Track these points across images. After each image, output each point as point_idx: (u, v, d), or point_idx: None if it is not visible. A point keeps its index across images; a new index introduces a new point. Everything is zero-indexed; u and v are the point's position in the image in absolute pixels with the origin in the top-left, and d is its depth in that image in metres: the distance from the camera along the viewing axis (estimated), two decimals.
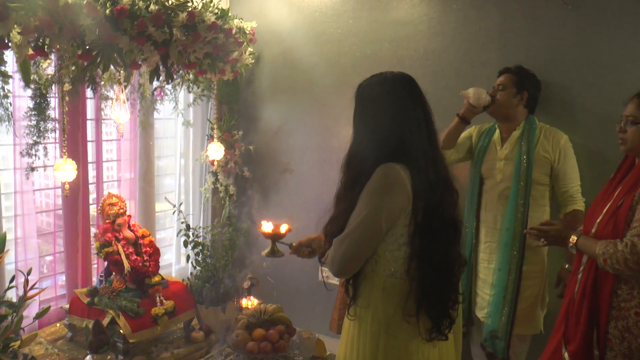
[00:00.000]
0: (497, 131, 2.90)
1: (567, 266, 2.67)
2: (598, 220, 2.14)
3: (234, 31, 3.00)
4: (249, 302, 3.38)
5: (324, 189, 3.76)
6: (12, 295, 2.59)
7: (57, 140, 2.97)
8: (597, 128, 2.82)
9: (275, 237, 2.22)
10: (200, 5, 2.76)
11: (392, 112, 1.76)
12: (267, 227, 2.23)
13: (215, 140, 3.60)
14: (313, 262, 3.75)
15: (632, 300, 2.03)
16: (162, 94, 3.20)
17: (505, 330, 2.76)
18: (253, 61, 3.51)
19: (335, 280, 3.74)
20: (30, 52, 2.34)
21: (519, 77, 2.79)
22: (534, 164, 2.72)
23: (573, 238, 2.17)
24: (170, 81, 2.81)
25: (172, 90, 3.35)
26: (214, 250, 3.13)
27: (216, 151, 3.54)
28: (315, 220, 3.70)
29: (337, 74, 3.64)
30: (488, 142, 2.91)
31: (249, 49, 3.35)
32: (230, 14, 3.01)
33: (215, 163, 3.67)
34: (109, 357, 2.57)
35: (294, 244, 2.15)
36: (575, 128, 2.85)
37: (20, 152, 2.76)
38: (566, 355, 2.19)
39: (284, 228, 2.24)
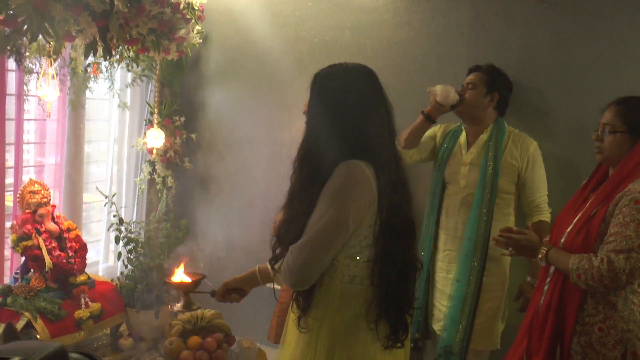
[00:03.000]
0: (464, 133, 2.92)
1: (529, 279, 2.73)
2: (568, 230, 2.19)
3: (181, 6, 2.92)
4: None
5: (273, 185, 3.73)
6: None
7: None
8: (569, 135, 2.88)
9: (185, 288, 2.14)
10: None
11: (355, 106, 1.76)
12: (176, 277, 2.17)
13: (155, 126, 3.50)
14: (255, 264, 3.79)
15: (597, 315, 2.09)
16: (97, 71, 3.07)
17: (461, 346, 2.79)
18: (201, 41, 3.43)
19: (278, 285, 3.70)
20: None
21: (491, 77, 2.82)
22: (501, 172, 2.75)
23: (543, 250, 2.20)
24: (108, 58, 2.70)
25: (108, 68, 3.22)
26: (149, 248, 3.03)
27: (156, 138, 3.44)
28: (261, 218, 3.72)
29: (293, 61, 3.59)
30: (453, 144, 2.92)
31: (197, 27, 3.27)
32: None
33: (154, 151, 3.57)
34: None
35: (216, 290, 2.10)
36: (545, 134, 2.90)
37: None
38: None
39: (188, 277, 2.19)
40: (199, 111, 3.93)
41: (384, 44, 3.33)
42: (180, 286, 2.12)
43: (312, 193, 1.74)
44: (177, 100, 3.86)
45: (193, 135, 3.86)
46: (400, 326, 1.81)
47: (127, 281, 3.04)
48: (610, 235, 2.03)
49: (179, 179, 3.90)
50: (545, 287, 2.25)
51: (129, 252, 3.04)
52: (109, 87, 3.36)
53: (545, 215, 2.78)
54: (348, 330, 1.78)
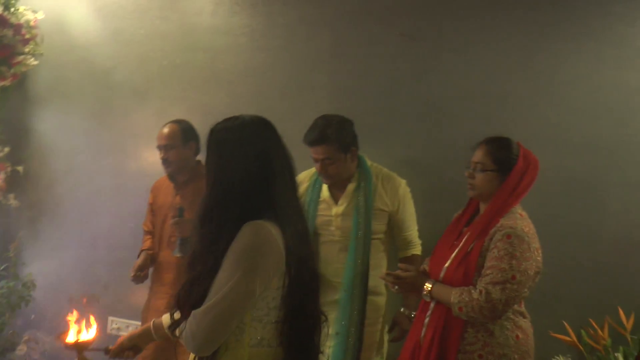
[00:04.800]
0: (324, 188, 2.90)
1: (402, 310, 2.90)
2: (446, 265, 2.39)
3: (22, 28, 2.66)
4: None
5: (118, 222, 3.55)
6: None
7: None
8: (427, 164, 3.07)
9: (80, 347, 2.08)
10: None
11: (256, 160, 1.78)
12: (70, 336, 2.09)
13: None
14: (100, 312, 3.55)
15: (476, 343, 2.30)
16: None
17: None
18: (37, 62, 3.15)
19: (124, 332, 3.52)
20: None
21: (340, 141, 2.73)
22: (373, 217, 2.82)
23: (427, 286, 2.37)
24: None
25: None
26: None
27: None
28: (107, 259, 3.49)
29: (140, 84, 3.46)
30: (317, 197, 2.91)
31: (31, 45, 3.00)
32: (13, 1, 2.66)
33: None
34: None
35: (111, 348, 2.04)
36: (406, 162, 3.06)
37: None
38: None
39: (89, 334, 2.11)
40: (26, 139, 3.63)
41: (240, 68, 3.32)
42: (77, 345, 2.05)
43: (217, 254, 1.73)
44: (0, 127, 3.51)
45: (19, 168, 3.55)
46: None
47: None
48: (487, 269, 2.26)
49: (3, 219, 3.54)
50: (427, 320, 2.43)
51: None
52: None
53: (417, 249, 2.94)
54: None
